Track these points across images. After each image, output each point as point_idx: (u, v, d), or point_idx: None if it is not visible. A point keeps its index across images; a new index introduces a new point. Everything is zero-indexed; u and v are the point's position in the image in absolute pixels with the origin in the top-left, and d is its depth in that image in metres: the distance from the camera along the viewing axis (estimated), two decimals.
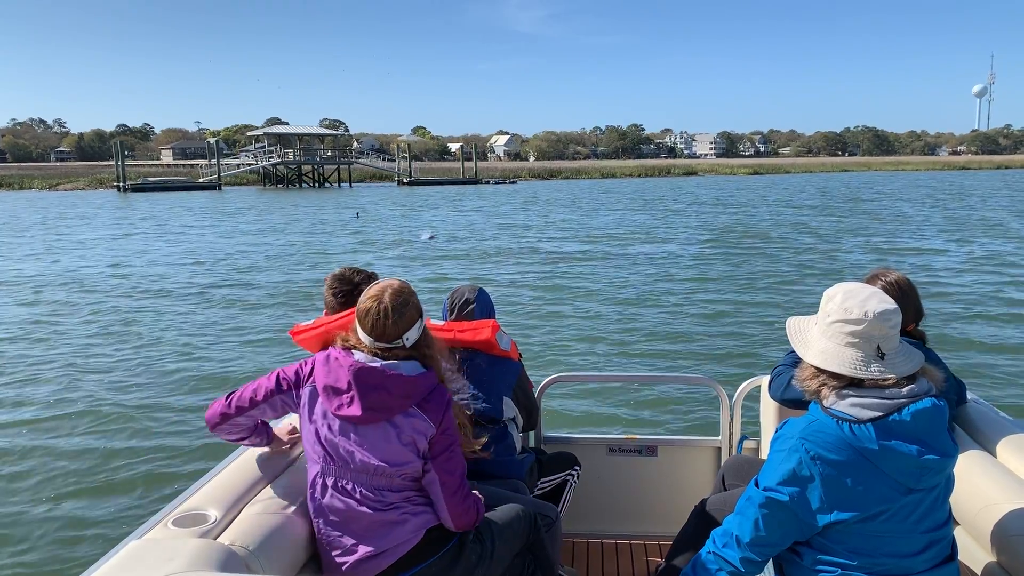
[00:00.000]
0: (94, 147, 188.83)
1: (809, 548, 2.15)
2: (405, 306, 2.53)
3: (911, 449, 2.01)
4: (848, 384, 2.08)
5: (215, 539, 2.23)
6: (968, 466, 2.60)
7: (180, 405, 9.60)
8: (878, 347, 2.06)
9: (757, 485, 2.16)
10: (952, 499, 2.36)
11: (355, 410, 2.45)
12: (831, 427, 2.06)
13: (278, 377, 2.64)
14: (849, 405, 2.06)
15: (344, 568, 2.50)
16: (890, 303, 2.10)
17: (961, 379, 3.12)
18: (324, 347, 2.69)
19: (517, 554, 2.87)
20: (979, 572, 2.43)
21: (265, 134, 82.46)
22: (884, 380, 2.05)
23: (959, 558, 2.37)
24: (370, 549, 2.49)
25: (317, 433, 2.52)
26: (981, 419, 2.97)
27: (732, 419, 3.99)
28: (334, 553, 2.52)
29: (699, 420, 8.64)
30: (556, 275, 19.80)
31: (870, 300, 2.09)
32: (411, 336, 2.55)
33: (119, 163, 70.05)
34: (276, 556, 2.32)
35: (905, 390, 2.05)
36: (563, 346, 12.40)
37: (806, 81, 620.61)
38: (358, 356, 2.50)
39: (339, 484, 2.51)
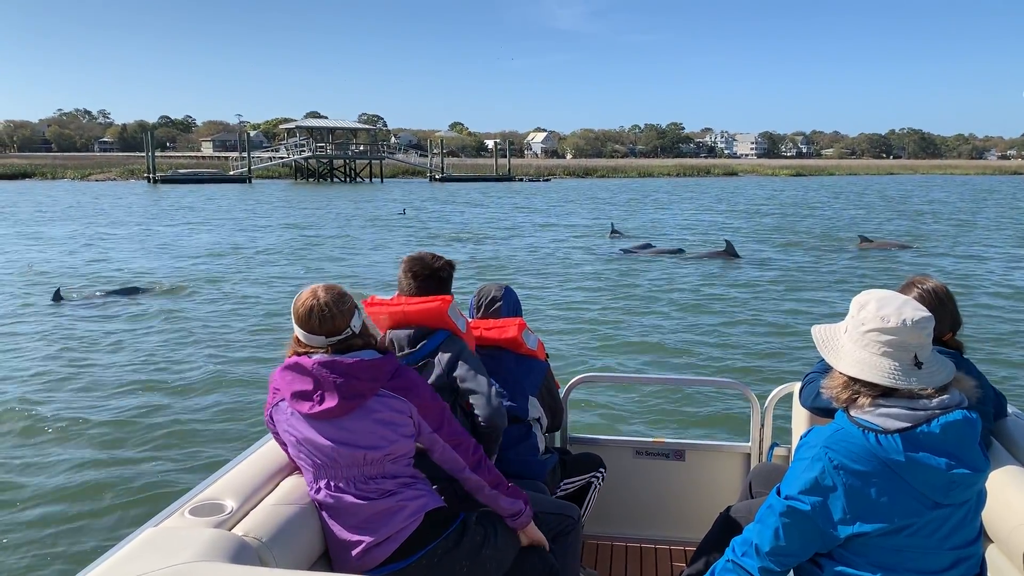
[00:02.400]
0: (137, 138, 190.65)
1: (830, 560, 2.09)
2: (342, 296, 2.57)
3: (939, 462, 1.96)
4: (881, 394, 2.03)
5: (230, 530, 2.25)
6: (1004, 482, 2.53)
7: (206, 399, 9.47)
8: (915, 356, 2.02)
9: (779, 493, 2.11)
10: (985, 515, 2.34)
11: (330, 403, 2.48)
12: (856, 436, 2.01)
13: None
14: (877, 415, 2.01)
15: (350, 560, 2.53)
16: (924, 311, 2.06)
17: (1002, 392, 3.01)
18: (391, 326, 3.11)
19: (534, 552, 2.81)
20: None
21: (297, 127, 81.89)
22: (921, 390, 2.00)
23: (989, 573, 2.34)
24: (371, 539, 2.52)
25: (298, 441, 2.55)
26: (1021, 433, 2.85)
27: (763, 425, 3.92)
28: (339, 547, 2.55)
29: (729, 425, 8.40)
30: (589, 274, 19.35)
31: (905, 308, 2.05)
32: (356, 324, 2.58)
33: (150, 154, 70.29)
34: (290, 549, 2.35)
35: (935, 401, 2.00)
36: (593, 346, 12.11)
37: (850, 81, 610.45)
38: (316, 356, 2.52)
39: (332, 484, 2.54)
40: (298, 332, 2.58)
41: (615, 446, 4.16)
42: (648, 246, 24.21)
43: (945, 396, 2.03)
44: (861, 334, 2.08)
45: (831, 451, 2.03)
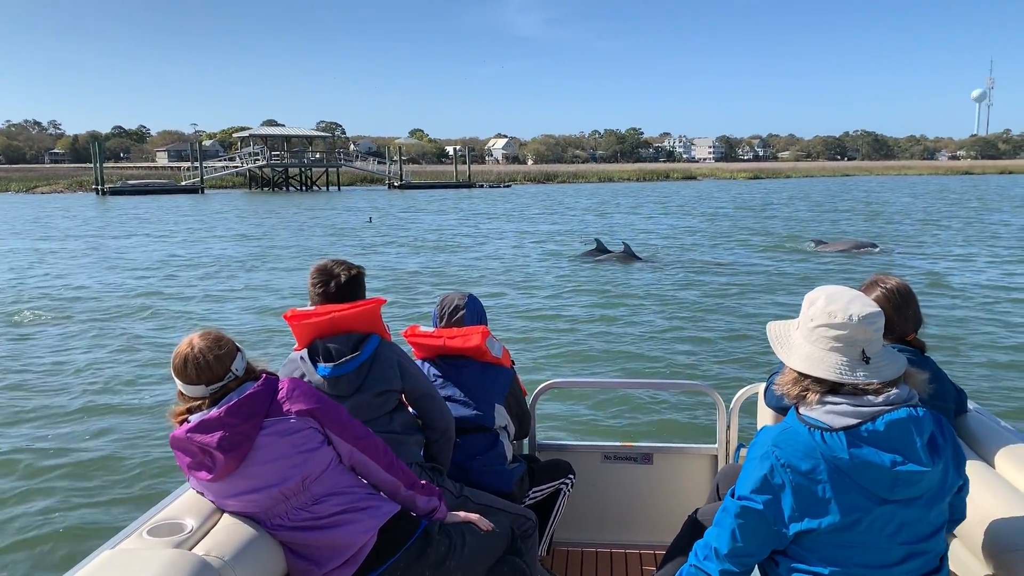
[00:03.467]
0: (89, 149, 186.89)
1: (784, 556, 2.13)
2: (219, 342, 2.47)
3: (884, 459, 1.97)
4: (830, 389, 2.04)
5: (190, 549, 2.20)
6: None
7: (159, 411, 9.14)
8: (863, 351, 2.03)
9: (733, 495, 2.14)
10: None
11: (221, 463, 2.39)
12: (803, 435, 2.04)
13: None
14: (823, 412, 2.03)
15: None
16: (873, 306, 2.07)
17: (962, 388, 3.05)
18: (310, 339, 3.04)
19: (505, 561, 2.82)
20: None
21: (251, 135, 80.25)
22: (867, 384, 2.02)
23: (953, 569, 2.44)
24: (328, 566, 2.47)
25: (219, 503, 2.48)
26: (981, 429, 2.89)
27: (729, 427, 3.93)
28: (299, 572, 2.51)
29: (696, 428, 8.42)
30: (551, 280, 19.32)
31: (854, 303, 2.06)
32: (238, 366, 2.49)
33: (98, 165, 68.33)
34: (252, 567, 2.29)
35: (881, 397, 2.01)
36: (559, 352, 12.16)
37: (805, 85, 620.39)
38: (192, 419, 2.42)
39: (271, 523, 2.49)
40: (179, 385, 2.47)
41: (583, 451, 4.11)
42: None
43: (893, 392, 2.02)
44: (810, 330, 2.09)
45: (778, 449, 2.04)
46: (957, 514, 2.28)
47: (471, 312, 3.57)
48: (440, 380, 3.49)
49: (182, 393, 2.49)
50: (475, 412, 3.40)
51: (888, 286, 2.94)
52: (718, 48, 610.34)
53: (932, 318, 14.54)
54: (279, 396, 2.52)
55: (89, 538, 6.16)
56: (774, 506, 2.06)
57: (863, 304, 2.08)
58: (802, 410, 2.08)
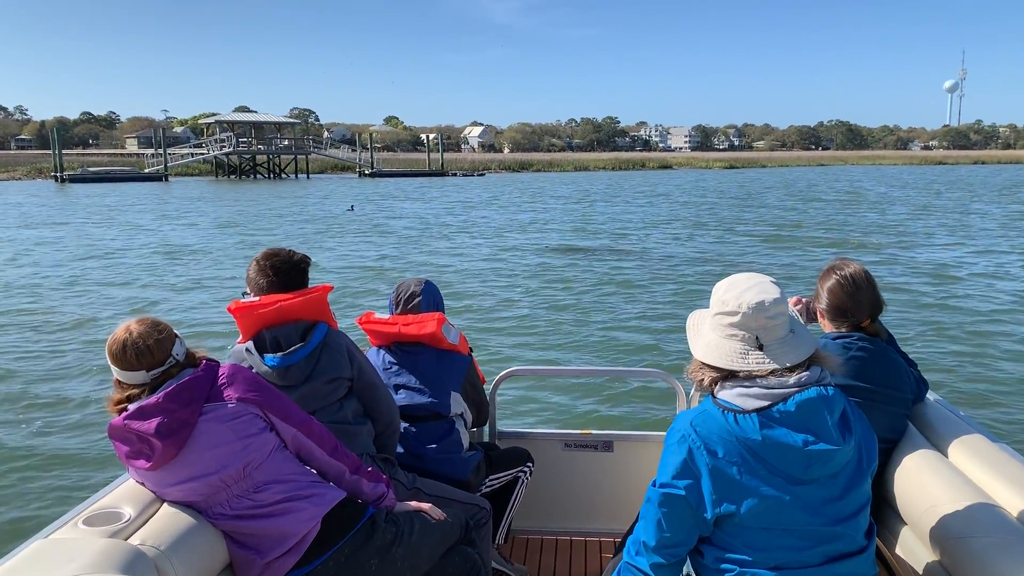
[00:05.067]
0: (56, 135, 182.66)
1: (709, 545, 2.12)
2: (157, 326, 2.43)
3: (796, 439, 1.97)
4: (728, 376, 2.05)
5: (126, 539, 2.15)
6: (918, 465, 2.61)
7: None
8: (756, 338, 2.03)
9: (655, 485, 2.11)
10: (899, 498, 2.57)
11: (160, 450, 2.33)
12: (717, 417, 2.03)
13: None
14: (736, 395, 2.03)
15: (254, 573, 2.44)
16: (769, 294, 2.04)
17: (925, 378, 3.07)
18: (256, 330, 2.95)
19: (456, 551, 2.81)
20: (921, 571, 2.44)
21: (218, 121, 78.19)
22: (759, 371, 2.01)
23: (900, 554, 2.56)
24: (271, 555, 2.43)
25: (160, 492, 2.43)
26: (937, 418, 2.92)
27: None
28: (241, 563, 2.47)
29: (656, 415, 8.40)
30: (516, 267, 19.23)
31: (748, 292, 2.05)
32: (179, 351, 2.45)
33: (56, 151, 66.02)
34: (191, 558, 2.23)
35: (792, 379, 2.00)
36: (521, 339, 12.10)
37: (780, 75, 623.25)
38: (131, 407, 2.36)
39: (213, 512, 2.43)
40: (117, 373, 2.39)
41: (543, 439, 4.08)
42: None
43: (804, 374, 2.01)
44: (711, 317, 2.12)
45: (694, 433, 2.03)
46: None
47: (427, 299, 3.49)
48: (395, 368, 3.43)
49: (119, 381, 2.41)
50: (430, 400, 3.37)
51: (842, 272, 2.89)
52: (694, 37, 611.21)
53: (929, 308, 13.92)
54: (219, 382, 2.46)
55: (28, 531, 5.68)
56: (695, 490, 2.03)
57: (758, 292, 2.04)
58: (716, 393, 2.07)
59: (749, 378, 2.02)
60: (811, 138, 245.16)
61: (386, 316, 3.48)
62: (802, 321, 3.01)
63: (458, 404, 3.45)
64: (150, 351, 2.37)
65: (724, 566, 2.08)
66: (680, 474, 2.04)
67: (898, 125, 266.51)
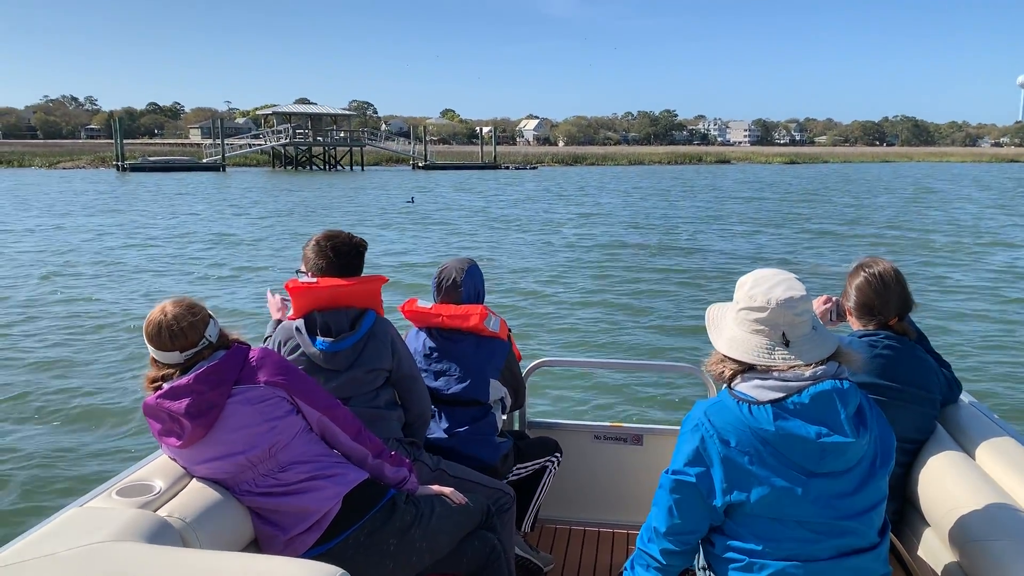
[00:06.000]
0: (124, 125, 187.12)
1: (719, 534, 2.14)
2: (192, 308, 2.50)
3: (809, 431, 1.98)
4: (747, 369, 2.07)
5: (155, 511, 2.22)
6: (942, 467, 2.60)
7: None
8: (783, 334, 2.05)
9: (669, 472, 2.14)
10: (922, 498, 2.57)
11: (189, 430, 2.42)
12: (732, 408, 2.06)
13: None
14: (752, 387, 2.05)
15: (277, 548, 2.51)
16: (797, 291, 2.05)
17: (959, 380, 3.02)
18: (308, 310, 3.02)
19: (475, 535, 2.82)
20: (940, 572, 2.43)
21: (275, 113, 79.11)
22: (786, 367, 2.03)
23: (922, 556, 2.56)
24: (294, 531, 2.50)
25: (190, 469, 2.51)
26: (968, 420, 2.87)
27: None
28: (264, 537, 2.54)
29: (687, 409, 6.57)
30: (557, 260, 19.30)
31: (776, 288, 2.06)
32: (212, 332, 2.51)
33: (118, 141, 67.31)
34: (217, 531, 2.30)
35: (809, 372, 2.02)
36: (556, 331, 12.10)
37: (843, 69, 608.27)
38: (164, 386, 2.46)
39: (239, 489, 2.51)
40: (153, 352, 2.49)
41: (573, 430, 4.10)
42: None
43: (820, 368, 2.02)
44: (736, 312, 2.12)
45: (708, 422, 2.05)
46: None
47: (469, 287, 3.48)
48: (436, 353, 3.44)
49: (155, 360, 2.50)
50: (470, 387, 3.38)
51: (871, 270, 2.88)
52: (755, 30, 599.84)
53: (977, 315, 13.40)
54: (249, 364, 2.53)
55: (64, 496, 6.20)
56: (706, 478, 2.05)
57: (786, 288, 2.05)
58: (734, 385, 2.09)
59: (767, 371, 2.03)
60: (875, 133, 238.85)
61: (428, 305, 3.48)
62: (832, 319, 3.05)
63: (497, 390, 3.47)
64: (183, 333, 2.45)
65: (734, 555, 2.08)
66: (692, 462, 2.06)
67: (967, 121, 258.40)
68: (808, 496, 2.00)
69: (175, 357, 2.46)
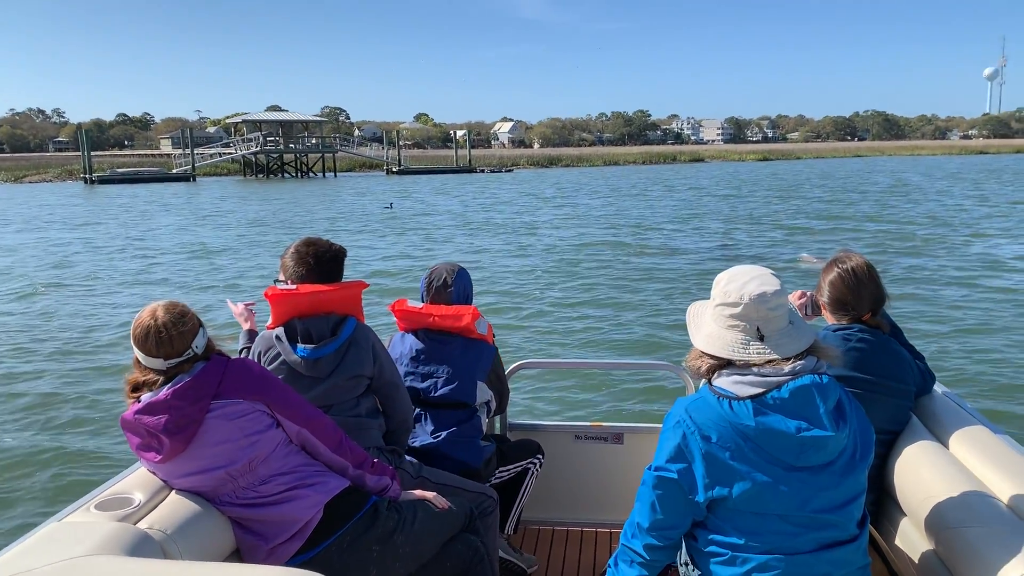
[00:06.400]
0: (94, 136, 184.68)
1: (703, 529, 2.17)
2: (183, 317, 2.45)
3: (789, 426, 2.01)
4: (725, 364, 2.10)
5: (135, 523, 2.21)
6: (917, 456, 2.65)
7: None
8: (758, 329, 2.07)
9: (651, 469, 2.18)
10: (898, 489, 2.63)
11: (168, 446, 2.39)
12: (712, 403, 2.08)
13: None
14: (731, 382, 2.07)
15: (259, 558, 2.50)
16: (771, 286, 2.08)
17: (933, 372, 3.09)
18: (288, 317, 2.99)
19: (459, 539, 2.82)
20: (918, 562, 2.48)
21: (245, 121, 78.18)
22: (757, 361, 2.05)
23: (899, 544, 2.62)
24: (276, 541, 2.49)
25: (169, 482, 2.48)
26: (942, 411, 2.93)
27: None
28: (246, 547, 2.53)
29: (667, 407, 6.37)
30: (535, 262, 19.32)
31: (750, 283, 2.08)
32: (199, 343, 2.47)
33: (85, 153, 66.35)
34: (198, 542, 2.30)
35: (788, 367, 2.04)
36: (535, 332, 12.22)
37: (814, 65, 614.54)
38: (143, 398, 2.41)
39: (219, 501, 2.48)
40: (138, 355, 2.44)
41: (554, 431, 4.11)
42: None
43: (799, 363, 2.04)
44: (713, 308, 2.15)
45: (689, 418, 2.07)
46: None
47: (459, 288, 3.50)
48: (424, 356, 3.42)
49: (139, 362, 2.45)
50: (457, 389, 3.37)
51: (844, 266, 2.91)
52: (726, 29, 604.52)
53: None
54: (228, 377, 2.47)
55: (42, 512, 6.12)
56: (688, 474, 2.07)
57: (759, 284, 2.07)
58: (713, 380, 2.10)
59: (745, 366, 2.05)
60: (847, 129, 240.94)
61: (418, 304, 3.46)
62: (808, 314, 3.06)
63: (484, 393, 3.47)
64: (171, 341, 2.40)
65: (716, 549, 2.10)
66: (674, 458, 2.08)
67: (936, 114, 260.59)
68: (789, 490, 2.01)
69: (159, 363, 2.42)
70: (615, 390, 9.25)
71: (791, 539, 2.04)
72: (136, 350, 2.43)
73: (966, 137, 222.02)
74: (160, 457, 2.40)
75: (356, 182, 63.68)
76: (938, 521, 2.35)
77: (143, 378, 2.44)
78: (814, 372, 2.04)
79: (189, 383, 2.40)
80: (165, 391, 2.38)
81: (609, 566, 2.35)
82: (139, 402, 2.41)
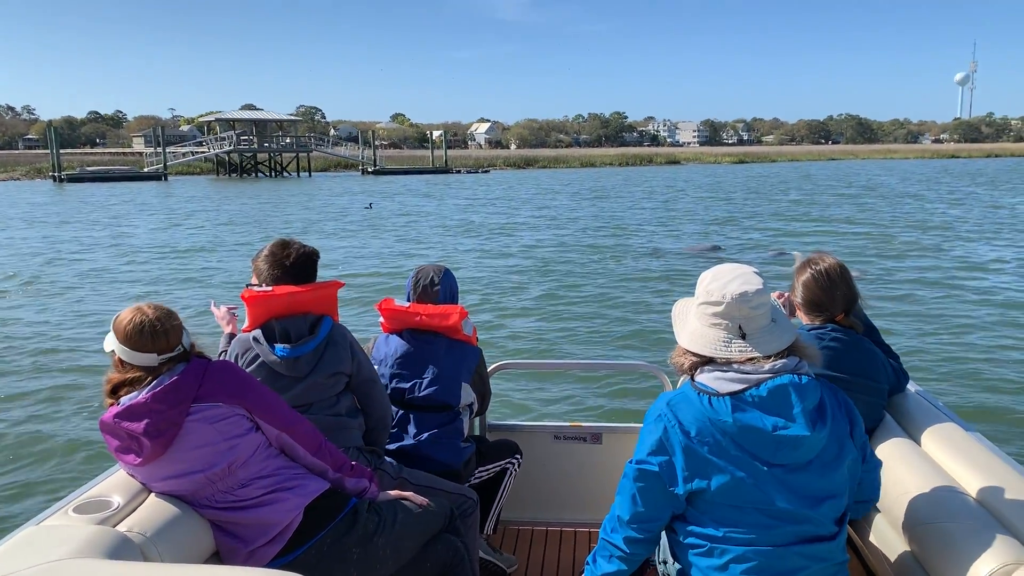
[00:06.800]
0: (64, 135, 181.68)
1: (682, 522, 2.20)
2: (171, 314, 2.49)
3: (766, 423, 2.04)
4: (707, 361, 2.13)
5: (114, 526, 2.21)
6: (891, 454, 2.67)
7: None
8: (739, 327, 2.10)
9: (633, 462, 2.21)
10: None
11: (148, 449, 2.38)
12: (692, 399, 2.11)
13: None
14: (712, 378, 2.10)
15: (239, 561, 2.50)
16: (753, 285, 2.10)
17: (906, 371, 3.13)
18: (265, 319, 3.00)
19: (439, 539, 2.83)
20: (893, 559, 2.51)
21: (218, 120, 77.21)
22: (743, 359, 2.08)
23: (874, 542, 2.65)
24: (255, 544, 2.48)
25: (148, 486, 2.47)
26: (916, 409, 2.97)
27: None
28: (226, 550, 2.52)
29: (645, 406, 7.87)
30: (511, 263, 19.14)
31: (732, 283, 2.11)
32: (187, 341, 2.51)
33: (54, 151, 65.15)
34: (178, 544, 2.30)
35: (768, 366, 2.07)
36: (514, 333, 12.22)
37: (789, 69, 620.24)
38: (123, 401, 2.40)
39: (201, 503, 2.48)
40: (124, 353, 2.41)
41: (533, 431, 4.12)
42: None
43: (780, 362, 2.06)
44: (696, 306, 2.18)
45: (670, 412, 2.11)
46: (867, 493, 2.35)
47: (445, 288, 3.50)
48: (408, 357, 3.41)
49: (122, 362, 2.42)
50: (442, 390, 3.37)
51: (817, 267, 2.94)
52: (702, 32, 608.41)
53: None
54: (208, 380, 2.47)
55: (18, 516, 6.13)
56: (668, 467, 2.10)
57: (741, 283, 2.09)
58: (696, 377, 2.13)
59: (727, 363, 2.08)
60: (821, 132, 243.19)
61: (405, 304, 3.46)
62: (785, 314, 3.06)
63: (468, 395, 3.47)
64: (166, 335, 2.41)
65: (695, 541, 2.13)
66: (655, 451, 2.11)
67: (908, 119, 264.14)
68: (766, 485, 2.04)
69: (150, 359, 2.40)
70: (593, 390, 9.20)
71: (768, 532, 2.06)
72: (122, 347, 2.40)
73: (938, 141, 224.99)
74: (140, 460, 2.39)
75: (331, 182, 63.06)
76: (912, 517, 2.38)
77: (126, 376, 2.41)
78: (794, 372, 2.05)
79: (170, 385, 2.38)
80: (145, 394, 2.37)
81: (588, 563, 2.35)
82: (118, 404, 2.39)
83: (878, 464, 2.40)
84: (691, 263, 18.68)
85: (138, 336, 2.38)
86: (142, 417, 2.35)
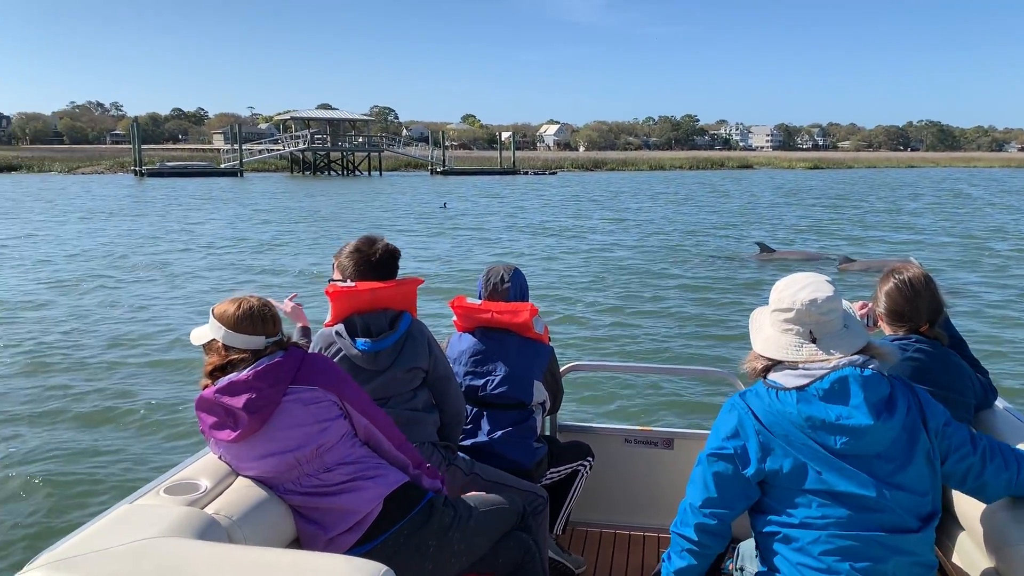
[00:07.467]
0: (148, 130, 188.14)
1: (760, 512, 2.25)
2: (270, 303, 2.64)
3: (829, 413, 2.10)
4: (777, 363, 2.22)
5: (202, 508, 2.29)
6: None
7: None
8: (811, 332, 2.18)
9: (706, 452, 2.27)
10: (956, 504, 2.63)
11: (245, 424, 2.46)
12: (763, 394, 2.22)
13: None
14: (781, 376, 2.20)
15: (318, 547, 2.53)
16: (824, 292, 2.18)
17: (995, 386, 3.06)
18: (348, 314, 3.09)
19: (510, 536, 2.85)
20: None
21: (292, 119, 78.82)
22: (812, 361, 2.16)
23: (956, 562, 2.65)
24: (335, 532, 2.54)
25: (236, 465, 2.55)
26: (1002, 424, 2.92)
27: None
28: (306, 536, 2.58)
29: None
30: (583, 265, 19.03)
31: (803, 290, 2.20)
32: (285, 331, 2.66)
33: (136, 146, 67.49)
34: (261, 528, 2.36)
35: (834, 362, 2.14)
36: (585, 335, 12.21)
37: (867, 73, 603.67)
38: (221, 381, 2.49)
39: (283, 488, 2.54)
40: (230, 339, 2.52)
41: (604, 434, 4.11)
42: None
43: (846, 358, 2.14)
44: (769, 313, 2.28)
45: (743, 403, 2.22)
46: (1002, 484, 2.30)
47: (516, 286, 3.53)
48: (482, 355, 3.44)
49: (226, 347, 2.52)
50: (515, 387, 3.39)
51: (900, 276, 2.91)
52: (778, 34, 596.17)
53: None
54: (304, 367, 2.58)
55: (111, 493, 6.47)
56: (742, 450, 2.18)
57: (813, 290, 2.18)
58: (766, 376, 2.24)
59: (794, 364, 2.17)
60: (899, 138, 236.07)
61: (477, 302, 3.49)
62: (868, 325, 3.02)
63: (540, 393, 3.48)
64: (273, 320, 2.57)
65: (774, 528, 2.19)
66: (730, 436, 2.20)
67: (993, 126, 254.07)
68: (838, 473, 2.09)
69: (258, 342, 2.51)
70: (666, 395, 9.19)
71: (846, 519, 2.10)
72: (230, 333, 2.50)
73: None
74: (235, 435, 2.45)
75: (402, 181, 63.71)
76: (998, 538, 2.35)
77: (231, 358, 2.50)
78: (860, 365, 2.12)
79: (271, 365, 2.49)
80: (247, 372, 2.46)
81: (663, 560, 2.39)
82: (219, 383, 2.47)
83: (1006, 451, 2.29)
84: (771, 272, 18.20)
85: (248, 320, 2.51)
86: (243, 392, 2.44)
